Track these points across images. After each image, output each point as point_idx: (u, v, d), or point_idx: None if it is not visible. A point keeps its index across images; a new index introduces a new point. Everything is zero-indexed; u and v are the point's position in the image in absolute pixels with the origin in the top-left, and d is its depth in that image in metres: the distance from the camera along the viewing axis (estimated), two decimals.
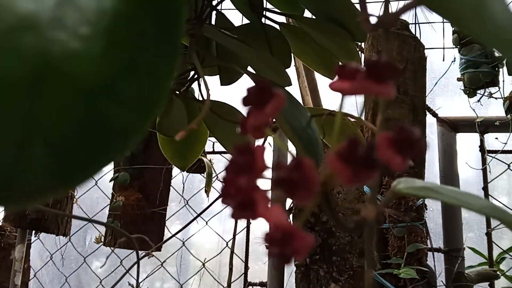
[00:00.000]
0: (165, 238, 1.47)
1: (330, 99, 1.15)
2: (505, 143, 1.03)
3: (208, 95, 0.33)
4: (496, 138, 1.09)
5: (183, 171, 0.54)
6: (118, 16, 0.11)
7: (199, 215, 0.70)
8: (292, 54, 0.45)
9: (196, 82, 0.43)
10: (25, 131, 0.10)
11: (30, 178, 0.11)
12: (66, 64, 0.11)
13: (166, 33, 0.12)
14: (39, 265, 1.63)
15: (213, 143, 1.41)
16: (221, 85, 0.46)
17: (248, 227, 1.32)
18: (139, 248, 1.28)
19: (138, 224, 1.18)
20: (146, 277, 1.42)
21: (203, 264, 1.35)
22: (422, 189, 0.19)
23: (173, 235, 0.71)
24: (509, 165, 1.16)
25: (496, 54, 1.01)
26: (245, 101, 0.13)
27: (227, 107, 0.43)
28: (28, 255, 1.55)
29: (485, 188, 1.17)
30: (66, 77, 0.11)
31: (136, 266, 1.32)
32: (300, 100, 1.23)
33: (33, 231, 1.51)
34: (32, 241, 1.57)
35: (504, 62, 1.00)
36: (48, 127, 0.11)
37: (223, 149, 1.59)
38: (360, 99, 1.05)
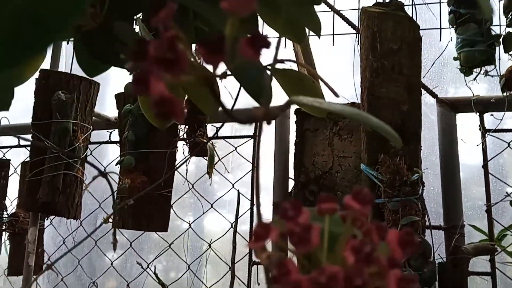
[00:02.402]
0: (171, 220, 1.51)
1: (328, 80, 1.17)
2: (501, 120, 1.04)
3: None
4: (492, 115, 1.10)
5: (163, 130, 0.57)
6: None
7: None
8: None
9: None
10: None
11: None
12: None
13: None
14: (53, 249, 1.69)
15: (216, 128, 1.45)
16: None
17: (252, 209, 1.35)
18: (148, 229, 1.33)
19: (145, 206, 1.22)
20: (154, 259, 1.46)
21: (209, 245, 1.39)
22: (302, 103, 0.23)
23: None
24: (509, 144, 1.17)
25: (493, 33, 1.01)
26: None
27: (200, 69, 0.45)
28: (42, 240, 1.61)
29: (485, 167, 1.18)
30: None
31: (147, 247, 1.35)
32: None
33: (46, 217, 1.57)
34: (45, 227, 1.63)
35: (501, 40, 1.01)
36: None
37: (226, 134, 1.61)
38: (358, 81, 1.07)
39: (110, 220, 1.28)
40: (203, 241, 1.51)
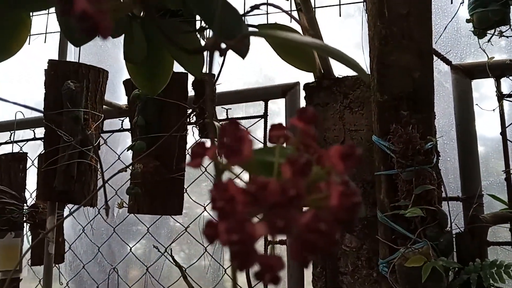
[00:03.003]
0: (190, 208, 1.51)
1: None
2: None
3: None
4: (509, 77, 1.05)
5: (154, 96, 0.57)
6: None
7: None
8: None
9: None
10: None
11: None
12: None
13: None
14: (73, 238, 1.72)
15: (227, 110, 1.44)
16: None
17: None
18: (163, 213, 1.34)
19: (159, 190, 1.22)
20: (172, 242, 1.47)
21: None
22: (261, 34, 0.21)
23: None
24: None
25: None
26: None
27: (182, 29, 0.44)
28: (62, 229, 1.64)
29: (503, 133, 1.14)
30: None
31: (165, 233, 1.35)
32: None
33: (66, 207, 1.59)
34: (64, 216, 1.65)
35: None
36: None
37: (236, 116, 1.59)
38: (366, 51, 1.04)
39: (125, 205, 1.29)
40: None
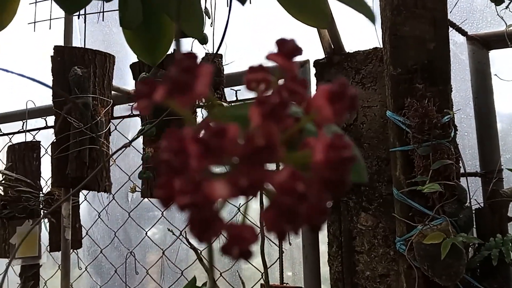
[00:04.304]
0: None
1: (347, 29, 1.10)
2: None
3: None
4: None
5: (154, 65, 0.55)
6: None
7: None
8: None
9: None
10: None
11: None
12: None
13: None
14: (90, 224, 1.74)
15: (236, 91, 1.41)
16: None
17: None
18: None
19: None
20: (187, 225, 1.47)
21: (238, 209, 1.38)
22: None
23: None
24: None
25: None
26: None
27: None
28: (78, 216, 1.66)
29: None
30: None
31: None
32: (316, 33, 1.18)
33: (80, 193, 1.60)
34: (80, 203, 1.67)
35: None
36: None
37: (246, 97, 1.57)
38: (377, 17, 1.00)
39: (138, 189, 1.29)
40: (234, 206, 1.50)
